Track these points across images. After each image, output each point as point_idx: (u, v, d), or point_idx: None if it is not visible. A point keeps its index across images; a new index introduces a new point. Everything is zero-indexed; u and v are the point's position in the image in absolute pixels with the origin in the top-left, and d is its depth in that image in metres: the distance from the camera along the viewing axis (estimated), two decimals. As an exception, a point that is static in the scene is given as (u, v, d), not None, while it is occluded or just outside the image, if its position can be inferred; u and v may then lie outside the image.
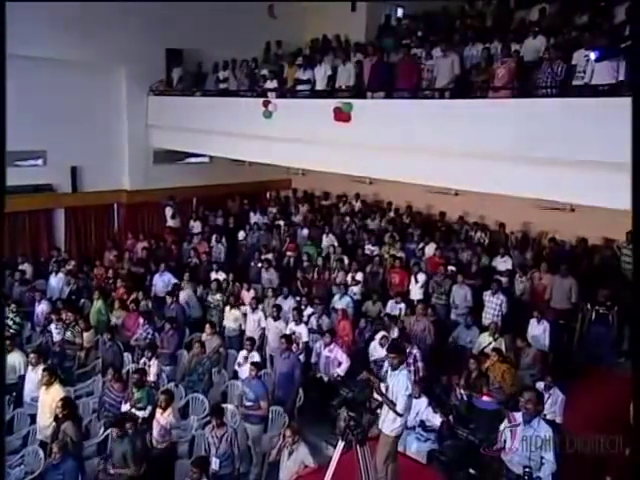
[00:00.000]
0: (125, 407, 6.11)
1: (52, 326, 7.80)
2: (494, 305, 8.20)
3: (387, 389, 4.53)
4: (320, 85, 9.60)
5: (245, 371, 6.99)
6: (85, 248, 12.78)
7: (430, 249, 10.22)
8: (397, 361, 4.54)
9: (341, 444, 4.35)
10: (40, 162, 12.32)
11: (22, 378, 6.98)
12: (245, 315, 8.68)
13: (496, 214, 10.91)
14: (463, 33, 9.85)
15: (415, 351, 6.90)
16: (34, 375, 6.50)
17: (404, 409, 4.40)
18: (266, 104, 10.16)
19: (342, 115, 8.86)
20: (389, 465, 4.55)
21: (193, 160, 14.48)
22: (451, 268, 9.37)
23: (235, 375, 7.74)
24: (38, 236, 12.22)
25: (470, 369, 6.58)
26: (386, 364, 6.96)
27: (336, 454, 4.38)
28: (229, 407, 6.85)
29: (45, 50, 11.17)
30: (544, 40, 8.12)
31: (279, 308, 8.23)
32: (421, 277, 9.27)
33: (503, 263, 9.44)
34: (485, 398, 6.34)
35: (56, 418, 5.56)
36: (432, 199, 11.75)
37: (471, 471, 4.83)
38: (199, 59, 13.41)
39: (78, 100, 12.19)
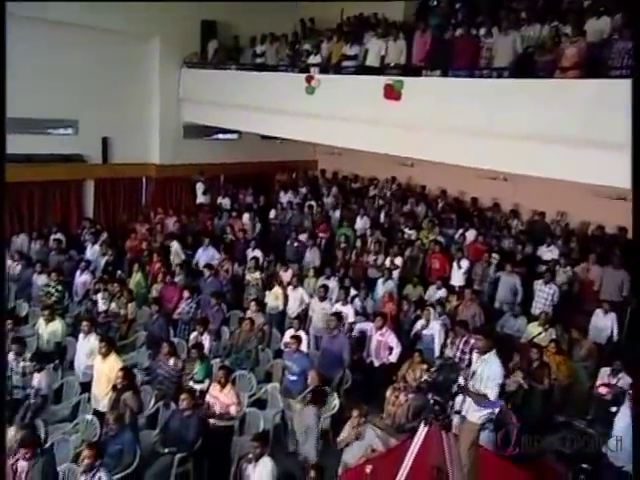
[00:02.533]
0: (184, 381, 5.95)
1: (99, 296, 7.62)
2: (545, 295, 7.97)
3: (474, 375, 4.31)
4: (373, 62, 9.24)
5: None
6: (113, 220, 12.55)
7: (471, 235, 9.98)
8: (485, 344, 4.31)
9: (424, 429, 4.15)
10: (71, 131, 12.04)
11: (59, 345, 6.89)
12: (286, 294, 8.50)
13: (546, 201, 10.49)
14: (516, 13, 9.47)
15: (472, 340, 6.64)
16: (86, 343, 6.32)
17: (496, 397, 4.17)
18: (309, 79, 9.85)
19: (392, 93, 8.58)
20: (472, 453, 4.36)
21: (222, 136, 14.18)
22: (494, 255, 9.14)
23: (278, 354, 7.57)
24: (68, 206, 11.99)
25: (531, 359, 6.37)
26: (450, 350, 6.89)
27: (418, 439, 4.18)
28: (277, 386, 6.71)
29: (79, 16, 10.82)
30: (608, 20, 7.77)
31: (326, 288, 8.01)
32: (464, 263, 9.03)
33: (548, 252, 9.19)
34: (602, 390, 6.12)
35: (114, 388, 5.40)
36: (481, 184, 11.32)
37: (584, 465, 4.60)
38: (233, 32, 13.08)
39: (111, 70, 11.89)
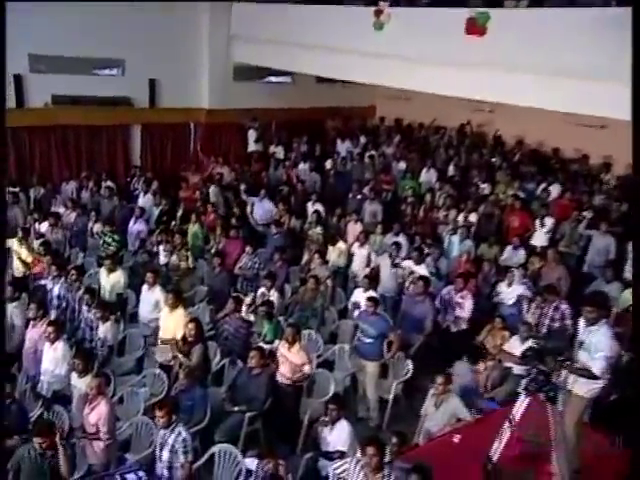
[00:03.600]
0: (253, 339, 6.04)
1: (160, 247, 7.76)
2: (641, 258, 7.56)
3: (581, 345, 4.13)
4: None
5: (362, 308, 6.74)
6: (161, 168, 12.65)
7: (555, 190, 9.56)
8: (594, 315, 4.10)
9: (525, 400, 4.05)
10: (117, 72, 12.04)
11: (120, 296, 7.04)
12: (350, 250, 8.43)
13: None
14: None
15: (564, 306, 6.43)
16: (150, 295, 6.47)
17: (602, 372, 4.00)
18: (378, 13, 9.42)
19: (476, 28, 8.12)
20: (578, 429, 4.24)
21: (274, 79, 13.93)
22: (585, 213, 8.74)
23: (342, 314, 7.57)
24: (115, 153, 12.16)
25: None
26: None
27: (517, 410, 4.09)
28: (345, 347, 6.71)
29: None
30: None
31: (398, 246, 7.87)
32: (548, 221, 8.68)
33: (648, 211, 8.68)
34: None
35: (185, 340, 5.52)
36: (566, 133, 10.72)
37: None
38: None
39: (158, 5, 11.67)
